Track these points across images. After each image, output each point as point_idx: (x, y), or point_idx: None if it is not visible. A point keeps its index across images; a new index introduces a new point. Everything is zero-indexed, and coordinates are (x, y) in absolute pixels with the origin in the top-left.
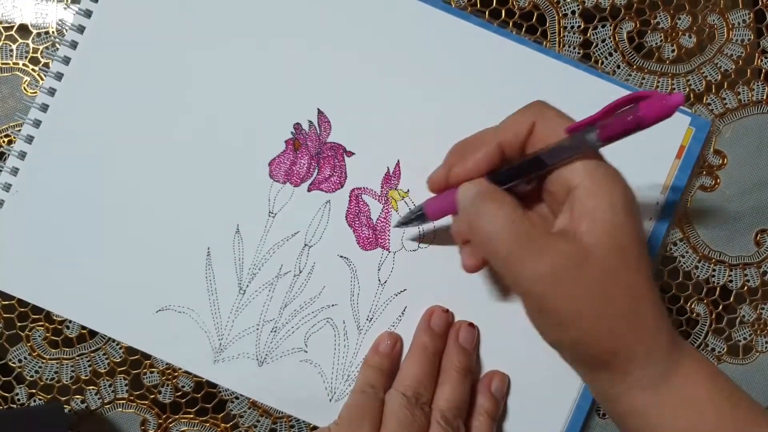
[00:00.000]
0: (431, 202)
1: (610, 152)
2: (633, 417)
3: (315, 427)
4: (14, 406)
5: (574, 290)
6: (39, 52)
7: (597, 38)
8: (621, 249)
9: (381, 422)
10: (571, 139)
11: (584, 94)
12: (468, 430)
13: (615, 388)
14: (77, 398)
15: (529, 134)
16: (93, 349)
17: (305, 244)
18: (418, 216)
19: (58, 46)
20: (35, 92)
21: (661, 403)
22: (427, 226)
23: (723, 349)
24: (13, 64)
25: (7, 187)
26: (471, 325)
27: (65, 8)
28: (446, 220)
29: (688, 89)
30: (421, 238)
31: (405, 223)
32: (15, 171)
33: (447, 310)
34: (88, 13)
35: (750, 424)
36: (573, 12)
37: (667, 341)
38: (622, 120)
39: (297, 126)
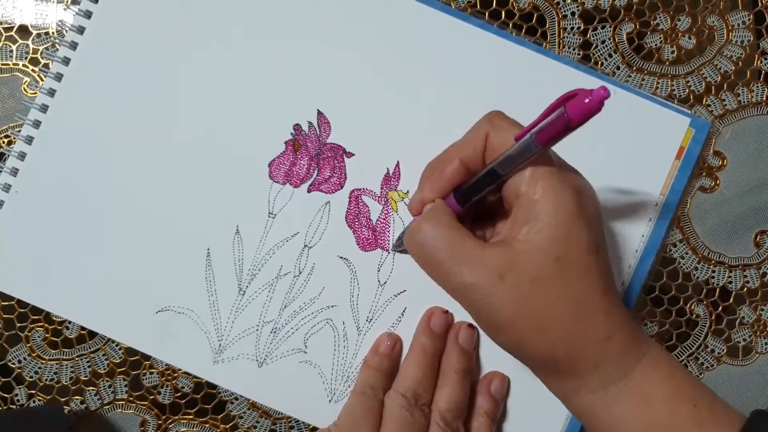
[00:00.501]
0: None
1: (609, 154)
2: (585, 416)
3: (315, 428)
4: (14, 406)
5: (499, 300)
6: (39, 53)
7: (597, 39)
8: (557, 259)
9: (380, 424)
10: (518, 146)
11: None
12: (467, 431)
13: (564, 389)
14: (77, 399)
15: (485, 147)
16: (92, 349)
17: (305, 245)
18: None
19: (57, 46)
20: (35, 93)
21: (611, 405)
22: None
23: (723, 351)
24: (13, 64)
25: (7, 188)
26: (471, 326)
27: (65, 9)
28: None
29: (687, 90)
30: None
31: (397, 246)
32: (15, 172)
33: (447, 311)
34: (87, 14)
35: (710, 424)
36: (573, 13)
37: (620, 348)
38: (553, 124)
39: (297, 127)
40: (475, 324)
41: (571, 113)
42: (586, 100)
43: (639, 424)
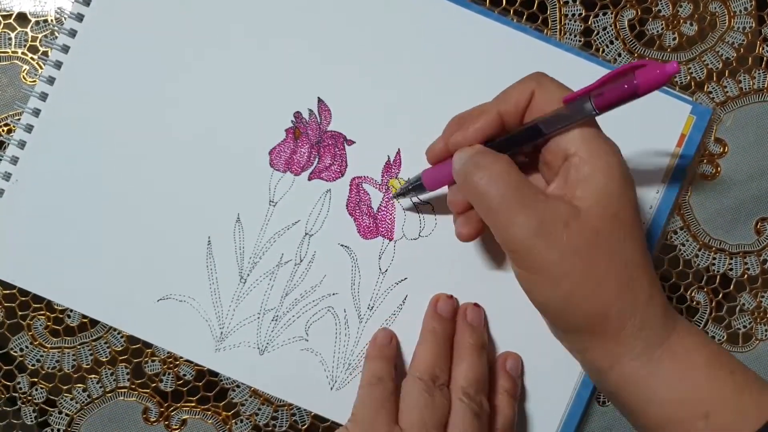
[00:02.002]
0: (429, 172)
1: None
2: (626, 388)
3: (316, 415)
4: (16, 395)
5: (561, 247)
6: (38, 41)
7: (598, 26)
8: (614, 215)
9: (397, 411)
10: (567, 108)
11: (585, 82)
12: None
13: (607, 358)
14: (79, 387)
15: (528, 104)
16: (94, 337)
17: (306, 233)
18: (415, 186)
19: (56, 34)
20: (34, 81)
21: (655, 371)
22: (430, 218)
23: (723, 337)
24: (12, 52)
25: (7, 176)
26: (476, 305)
27: None
28: (447, 211)
29: (689, 77)
30: (422, 228)
31: (403, 193)
32: (15, 160)
33: (451, 296)
34: (86, 2)
35: (748, 391)
36: (574, 0)
37: (660, 311)
38: (618, 88)
39: (297, 114)
40: (480, 304)
41: (641, 80)
42: (658, 71)
43: (681, 389)
